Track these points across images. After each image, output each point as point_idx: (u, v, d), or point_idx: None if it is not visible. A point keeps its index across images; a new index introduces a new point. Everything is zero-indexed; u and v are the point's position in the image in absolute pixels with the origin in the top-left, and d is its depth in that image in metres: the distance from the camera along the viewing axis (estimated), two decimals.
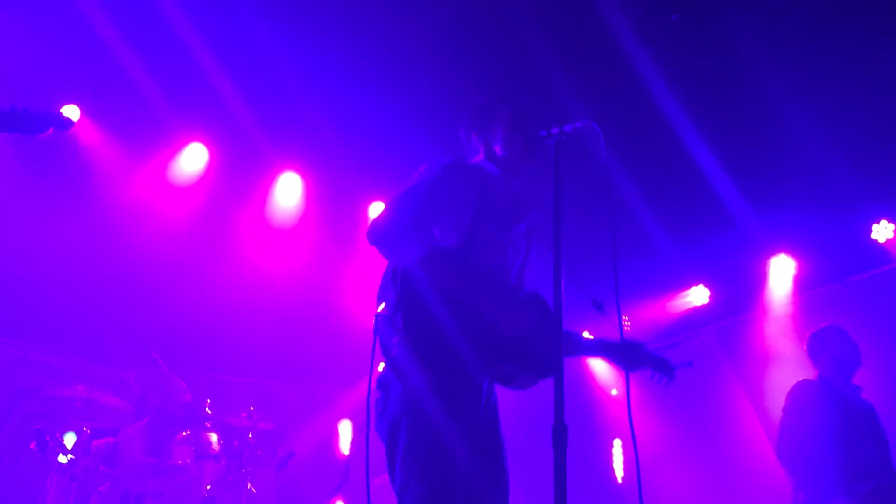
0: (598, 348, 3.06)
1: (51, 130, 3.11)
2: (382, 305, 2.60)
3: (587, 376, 8.47)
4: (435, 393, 2.54)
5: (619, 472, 8.06)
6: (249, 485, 6.06)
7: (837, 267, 6.81)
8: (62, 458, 5.54)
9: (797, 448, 4.45)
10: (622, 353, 3.08)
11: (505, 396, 2.84)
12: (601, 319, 2.95)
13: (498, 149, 2.91)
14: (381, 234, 2.59)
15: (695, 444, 7.29)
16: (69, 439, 5.67)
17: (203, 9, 5.82)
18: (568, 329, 2.78)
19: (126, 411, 6.17)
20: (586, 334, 3.12)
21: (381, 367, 2.68)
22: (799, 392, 4.64)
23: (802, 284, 7.04)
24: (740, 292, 7.47)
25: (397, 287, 2.53)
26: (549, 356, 2.60)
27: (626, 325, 7.91)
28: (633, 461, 2.54)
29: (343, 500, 6.92)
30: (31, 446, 5.58)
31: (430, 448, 2.52)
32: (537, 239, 2.92)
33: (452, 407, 2.56)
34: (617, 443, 8.12)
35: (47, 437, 5.54)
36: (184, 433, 6.27)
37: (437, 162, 2.75)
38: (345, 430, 8.00)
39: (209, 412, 6.26)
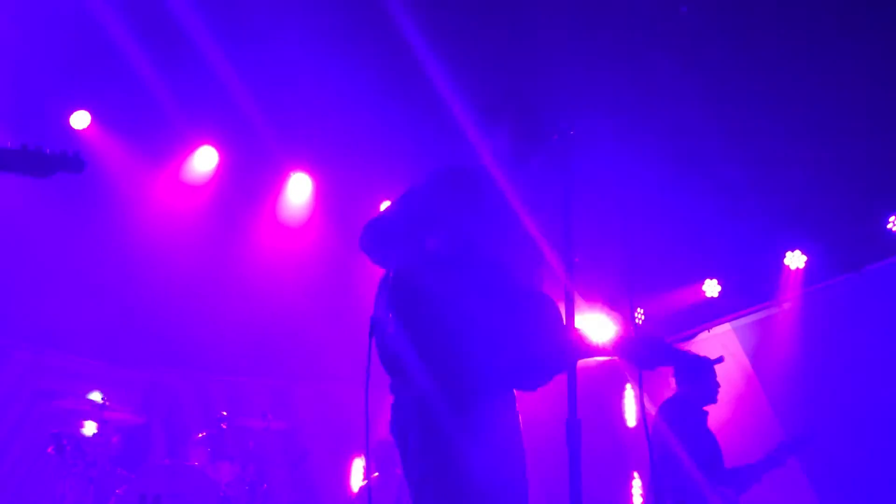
0: (611, 347, 2.83)
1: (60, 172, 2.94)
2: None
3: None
4: (435, 395, 2.55)
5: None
6: (265, 485, 6.09)
7: (852, 257, 6.75)
8: (87, 431, 5.61)
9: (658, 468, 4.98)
10: (639, 350, 2.84)
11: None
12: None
13: (502, 147, 2.91)
14: (368, 242, 2.69)
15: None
16: (86, 431, 5.74)
17: (213, 12, 5.84)
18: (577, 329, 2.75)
19: (142, 414, 6.21)
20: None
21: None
22: (663, 412, 5.12)
23: (817, 275, 6.99)
24: (752, 286, 7.43)
25: (389, 290, 2.58)
26: (555, 352, 2.61)
27: (640, 318, 7.88)
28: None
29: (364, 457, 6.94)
30: (49, 450, 5.62)
31: (438, 455, 2.53)
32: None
33: (457, 409, 2.56)
34: (628, 388, 8.15)
35: (64, 441, 5.58)
36: (199, 435, 6.32)
37: (429, 171, 2.81)
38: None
39: (224, 413, 6.30)
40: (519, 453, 2.71)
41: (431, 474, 2.53)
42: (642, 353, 2.76)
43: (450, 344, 2.54)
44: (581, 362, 2.63)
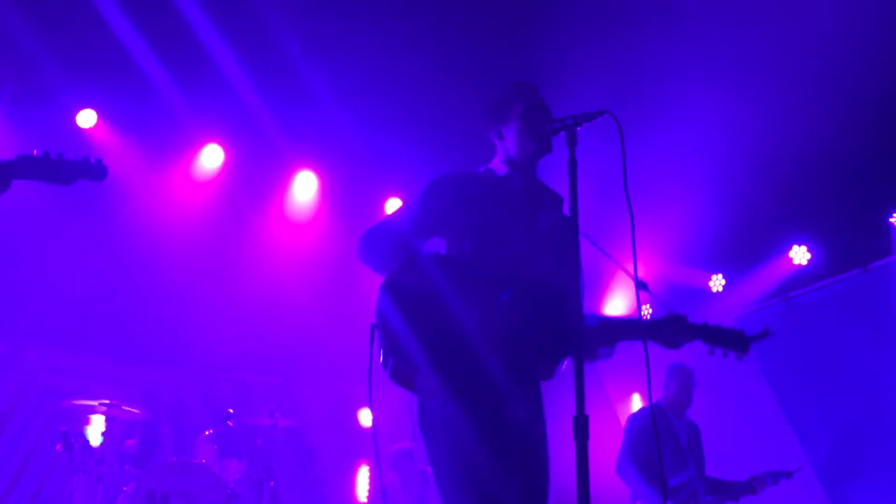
0: (636, 329, 2.80)
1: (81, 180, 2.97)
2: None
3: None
4: (438, 395, 2.57)
5: None
6: (273, 483, 6.10)
7: (859, 253, 6.73)
8: (93, 441, 5.62)
9: (630, 467, 5.27)
10: (664, 331, 2.80)
11: None
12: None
13: (512, 143, 2.91)
14: (360, 253, 2.76)
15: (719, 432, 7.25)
16: (94, 428, 5.77)
17: (219, 10, 5.86)
18: (600, 315, 2.76)
19: (150, 411, 6.23)
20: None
21: None
22: (636, 419, 5.47)
23: (824, 271, 6.98)
24: (757, 280, 7.42)
25: (380, 298, 2.62)
26: (563, 341, 2.62)
27: (647, 314, 7.86)
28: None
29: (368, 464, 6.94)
30: (57, 448, 5.64)
31: (447, 455, 2.56)
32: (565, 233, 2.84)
33: (461, 405, 2.57)
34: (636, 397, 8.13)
35: (73, 439, 5.60)
36: (207, 432, 6.34)
37: (425, 182, 2.83)
38: (365, 418, 8.04)
39: (231, 411, 6.31)
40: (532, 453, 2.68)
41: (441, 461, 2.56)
42: (667, 331, 2.75)
43: (455, 343, 2.55)
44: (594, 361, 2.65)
